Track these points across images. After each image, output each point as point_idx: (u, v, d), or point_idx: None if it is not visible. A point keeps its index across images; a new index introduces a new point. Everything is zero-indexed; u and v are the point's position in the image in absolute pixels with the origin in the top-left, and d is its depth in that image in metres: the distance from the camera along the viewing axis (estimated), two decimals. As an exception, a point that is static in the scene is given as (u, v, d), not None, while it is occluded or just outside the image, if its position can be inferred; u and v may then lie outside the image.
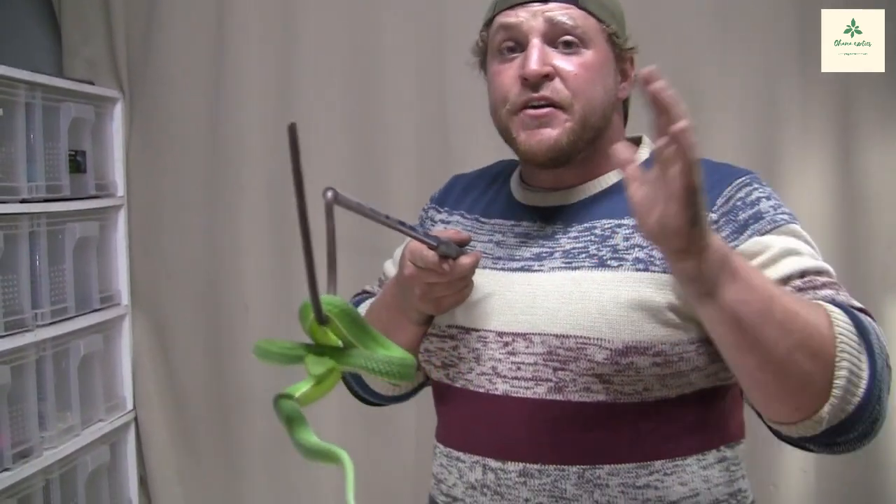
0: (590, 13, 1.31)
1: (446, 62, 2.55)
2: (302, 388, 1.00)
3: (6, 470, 2.21)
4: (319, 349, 1.01)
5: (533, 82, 1.27)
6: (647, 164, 1.26)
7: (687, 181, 0.96)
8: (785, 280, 1.18)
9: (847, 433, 1.09)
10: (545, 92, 1.27)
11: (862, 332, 1.09)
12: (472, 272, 1.26)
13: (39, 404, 2.37)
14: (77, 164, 2.59)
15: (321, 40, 2.72)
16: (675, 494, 1.23)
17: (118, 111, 2.84)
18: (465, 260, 1.23)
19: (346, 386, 1.51)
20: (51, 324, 2.42)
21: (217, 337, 2.82)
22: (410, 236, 1.18)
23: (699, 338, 1.21)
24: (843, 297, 1.17)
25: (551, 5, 1.29)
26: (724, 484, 1.28)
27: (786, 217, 1.26)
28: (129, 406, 2.85)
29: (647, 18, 2.58)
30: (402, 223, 1.15)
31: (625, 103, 1.41)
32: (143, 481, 2.91)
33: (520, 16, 1.30)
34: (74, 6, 2.86)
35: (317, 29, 2.72)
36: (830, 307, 1.11)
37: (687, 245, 1.00)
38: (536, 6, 1.30)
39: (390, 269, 1.51)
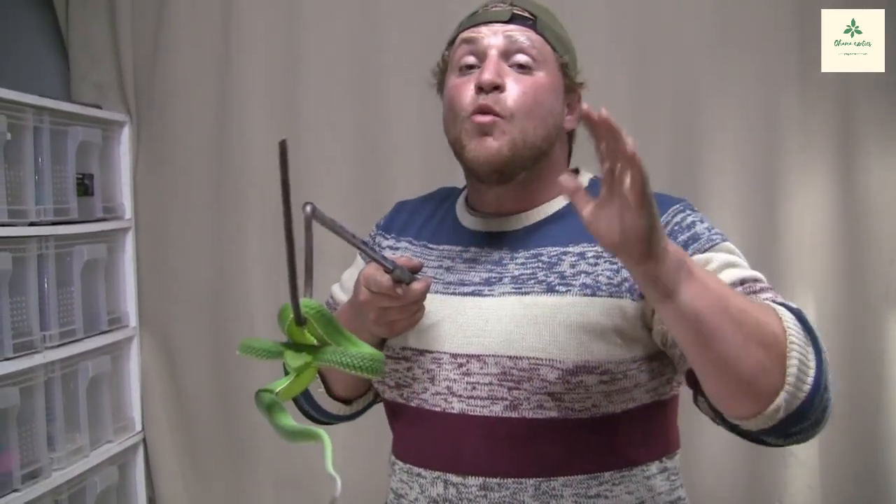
0: (546, 40, 1.41)
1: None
2: (281, 384, 1.10)
3: (15, 491, 2.22)
4: (297, 347, 1.10)
5: (486, 90, 1.35)
6: (590, 189, 1.37)
7: (641, 192, 1.02)
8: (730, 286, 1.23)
9: (801, 422, 1.15)
10: (489, 100, 1.35)
11: (806, 326, 1.16)
12: (424, 297, 1.32)
13: (48, 425, 2.39)
14: (85, 187, 2.62)
15: (326, 61, 2.74)
16: (622, 503, 1.32)
17: (125, 134, 2.87)
18: (417, 285, 1.29)
19: (297, 406, 1.57)
20: (59, 345, 2.44)
21: (225, 358, 2.83)
22: (371, 257, 1.24)
23: (642, 356, 1.32)
24: (780, 299, 1.24)
25: (512, 26, 1.40)
26: (665, 492, 1.37)
27: (719, 237, 1.34)
28: (138, 427, 2.86)
29: (646, 26, 2.60)
30: (366, 244, 1.22)
31: (570, 137, 1.49)
32: (152, 502, 2.92)
33: (482, 32, 1.40)
34: (82, 31, 2.90)
35: (321, 50, 2.74)
36: (775, 305, 1.18)
37: (648, 250, 1.06)
38: (498, 25, 1.40)
39: (338, 292, 1.58)
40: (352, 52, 2.74)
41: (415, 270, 1.32)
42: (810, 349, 1.14)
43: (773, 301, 1.22)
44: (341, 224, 1.13)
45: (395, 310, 1.31)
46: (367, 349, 1.11)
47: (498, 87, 1.35)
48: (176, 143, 2.87)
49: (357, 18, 2.74)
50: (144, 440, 2.89)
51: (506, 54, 1.38)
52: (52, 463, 2.39)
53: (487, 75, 1.35)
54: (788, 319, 1.15)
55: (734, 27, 2.57)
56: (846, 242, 2.56)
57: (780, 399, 1.11)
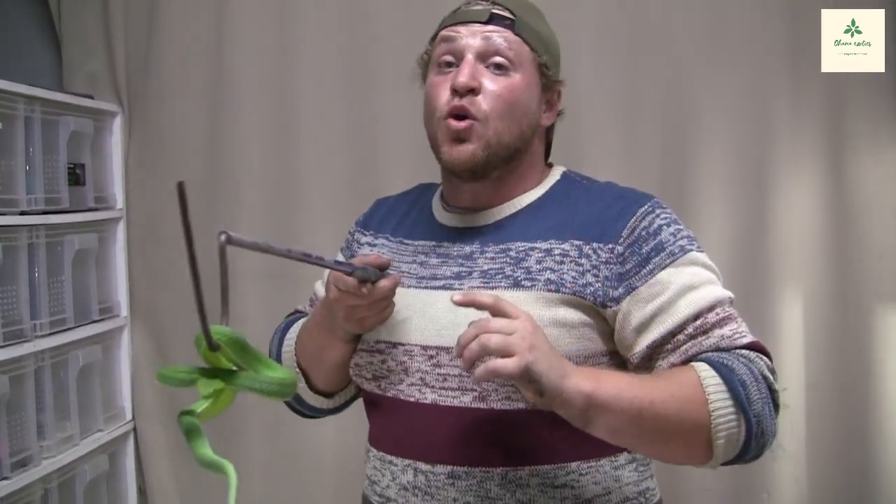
0: (524, 41, 1.42)
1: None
2: (202, 406, 1.13)
3: (5, 479, 2.23)
4: (212, 372, 1.13)
5: (460, 93, 1.38)
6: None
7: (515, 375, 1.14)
8: (679, 327, 1.31)
9: (739, 461, 1.29)
10: (465, 102, 1.38)
11: (733, 390, 1.24)
12: (392, 294, 1.36)
13: (38, 414, 2.39)
14: (76, 176, 2.62)
15: (319, 53, 2.74)
16: (589, 493, 1.36)
17: (117, 125, 2.87)
18: (383, 283, 1.33)
19: (285, 402, 1.60)
20: (49, 334, 2.44)
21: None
22: (320, 266, 1.27)
23: (609, 350, 1.36)
24: (730, 331, 1.32)
25: (490, 27, 1.41)
26: (633, 483, 1.40)
27: (684, 244, 1.37)
28: (129, 416, 2.87)
29: (639, 28, 2.61)
30: (308, 255, 1.23)
31: (548, 132, 1.52)
32: (142, 491, 2.93)
33: (461, 32, 1.42)
34: (75, 21, 2.90)
35: (314, 42, 2.74)
36: (704, 374, 1.26)
37: (548, 406, 1.18)
38: (477, 26, 1.42)
39: (320, 289, 1.62)
40: (345, 45, 2.74)
41: (383, 268, 1.35)
42: (740, 417, 1.24)
43: (719, 346, 1.31)
44: (269, 243, 1.15)
45: (363, 307, 1.35)
46: (279, 373, 1.14)
47: (473, 90, 1.38)
48: (168, 133, 2.87)
49: (350, 10, 2.74)
50: (135, 429, 2.90)
51: (482, 56, 1.40)
52: (42, 451, 2.39)
53: (462, 78, 1.37)
54: (713, 395, 1.24)
55: (724, 26, 2.58)
56: (836, 239, 2.57)
57: (713, 462, 1.26)
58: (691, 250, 1.36)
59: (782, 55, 2.54)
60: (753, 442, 1.25)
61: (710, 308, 1.32)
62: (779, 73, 2.55)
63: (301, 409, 1.61)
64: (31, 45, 2.91)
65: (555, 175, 1.50)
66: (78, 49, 2.90)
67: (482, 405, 1.33)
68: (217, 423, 2.91)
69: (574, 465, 1.35)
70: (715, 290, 1.34)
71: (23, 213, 2.36)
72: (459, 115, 1.38)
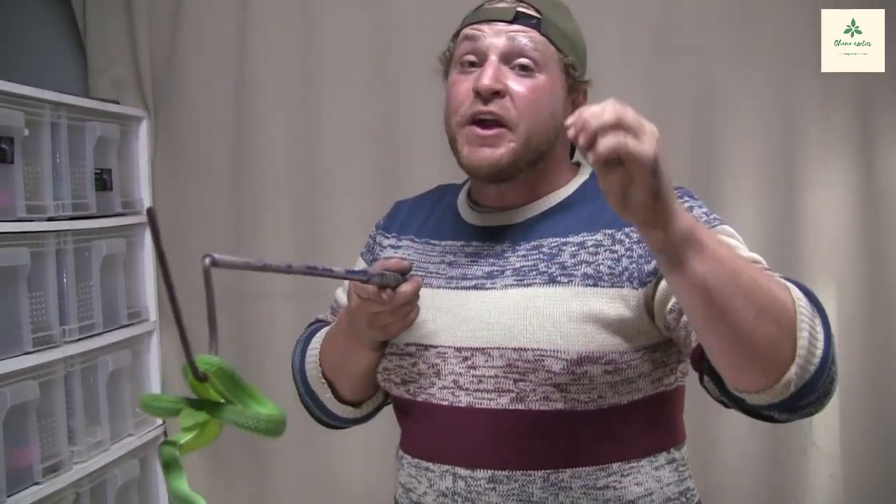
0: (550, 41, 1.38)
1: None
2: (185, 438, 1.08)
3: (36, 484, 2.24)
4: (199, 403, 1.08)
5: (484, 96, 1.34)
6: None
7: (639, 168, 0.99)
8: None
9: (809, 395, 1.13)
10: (493, 107, 1.34)
11: (813, 301, 1.15)
12: (415, 298, 1.32)
13: (69, 419, 2.40)
14: (103, 182, 2.63)
15: (343, 53, 2.75)
16: (631, 494, 1.32)
17: (143, 129, 2.88)
18: (404, 288, 1.30)
19: (308, 412, 1.57)
20: (78, 340, 2.45)
21: (244, 353, 2.83)
22: (330, 277, 1.22)
23: (645, 346, 1.31)
24: (781, 279, 1.21)
25: (515, 27, 1.37)
26: (674, 483, 1.37)
27: (719, 220, 1.33)
28: (159, 421, 2.87)
29: (667, 22, 2.59)
30: (313, 267, 1.19)
31: None
32: (174, 495, 2.93)
33: (484, 31, 1.38)
34: (99, 26, 2.91)
35: (338, 42, 2.75)
36: (784, 280, 1.16)
37: (653, 218, 1.03)
38: (501, 25, 1.38)
39: (341, 296, 1.58)
40: (369, 43, 2.75)
41: (404, 272, 1.31)
42: (818, 321, 1.13)
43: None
44: (264, 261, 1.10)
45: (386, 314, 1.32)
46: (268, 409, 1.08)
47: (498, 93, 1.34)
48: (194, 137, 2.88)
49: (373, 10, 2.73)
50: (165, 433, 2.90)
51: (507, 57, 1.36)
52: (73, 456, 2.40)
53: (485, 81, 1.34)
54: (797, 293, 1.13)
55: (752, 21, 2.56)
56: (866, 233, 2.55)
57: (792, 372, 1.10)
58: (726, 225, 1.32)
59: (810, 49, 2.51)
60: (830, 356, 1.13)
61: (755, 262, 1.24)
62: (807, 67, 2.52)
63: (327, 419, 1.57)
64: (56, 51, 2.93)
65: (583, 174, 1.46)
66: (103, 54, 2.91)
67: (520, 406, 1.30)
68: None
69: (615, 465, 1.32)
70: (757, 256, 1.28)
71: (50, 220, 2.36)
72: (487, 119, 1.34)
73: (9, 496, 2.14)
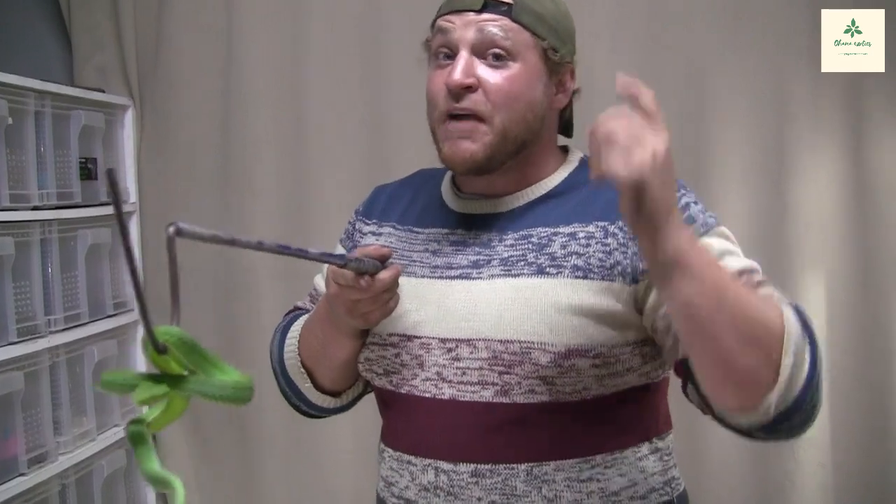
0: (524, 26, 1.33)
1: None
2: (153, 414, 1.03)
3: (21, 475, 2.22)
4: (158, 377, 1.03)
5: (455, 92, 1.31)
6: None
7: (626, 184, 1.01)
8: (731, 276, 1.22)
9: (790, 419, 1.13)
10: (466, 103, 1.31)
11: (805, 324, 1.14)
12: (394, 286, 1.29)
13: (54, 410, 2.39)
14: (88, 171, 2.61)
15: (330, 42, 2.73)
16: (615, 485, 1.31)
17: (129, 118, 2.86)
18: (383, 275, 1.26)
19: (287, 401, 1.54)
20: (64, 330, 2.43)
21: (231, 342, 2.82)
22: (305, 258, 1.18)
23: (635, 340, 1.29)
24: (777, 293, 1.22)
25: (485, 16, 1.32)
26: (658, 473, 1.35)
27: (713, 220, 1.31)
28: (146, 409, 2.85)
29: (657, 9, 2.58)
30: (286, 247, 1.14)
31: (564, 112, 1.44)
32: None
33: (455, 23, 1.34)
34: (84, 15, 2.89)
35: (325, 33, 2.73)
36: (777, 300, 1.16)
37: (636, 232, 1.05)
38: (471, 15, 1.33)
39: (320, 283, 1.54)
40: (357, 31, 2.73)
41: (384, 259, 1.27)
42: (807, 347, 1.13)
43: (773, 297, 1.19)
44: (233, 235, 1.05)
45: (365, 301, 1.28)
46: (233, 376, 1.03)
47: (470, 87, 1.31)
48: (180, 126, 2.86)
49: (362, -1, 2.72)
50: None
51: (478, 49, 1.32)
52: (59, 447, 2.39)
53: (455, 77, 1.30)
54: (788, 316, 1.13)
55: (744, 7, 2.55)
56: (856, 222, 2.55)
57: (772, 396, 1.10)
58: (721, 226, 1.31)
59: (803, 36, 2.51)
60: (815, 383, 1.12)
61: (751, 270, 1.24)
62: (799, 54, 2.52)
63: (306, 408, 1.53)
64: (41, 39, 2.90)
65: (573, 162, 1.42)
66: (88, 42, 2.89)
67: (504, 399, 1.27)
68: (235, 418, 2.90)
69: (599, 457, 1.30)
70: (751, 262, 1.27)
71: (35, 209, 2.35)
72: (460, 115, 1.32)
73: (-6, 487, 2.13)
